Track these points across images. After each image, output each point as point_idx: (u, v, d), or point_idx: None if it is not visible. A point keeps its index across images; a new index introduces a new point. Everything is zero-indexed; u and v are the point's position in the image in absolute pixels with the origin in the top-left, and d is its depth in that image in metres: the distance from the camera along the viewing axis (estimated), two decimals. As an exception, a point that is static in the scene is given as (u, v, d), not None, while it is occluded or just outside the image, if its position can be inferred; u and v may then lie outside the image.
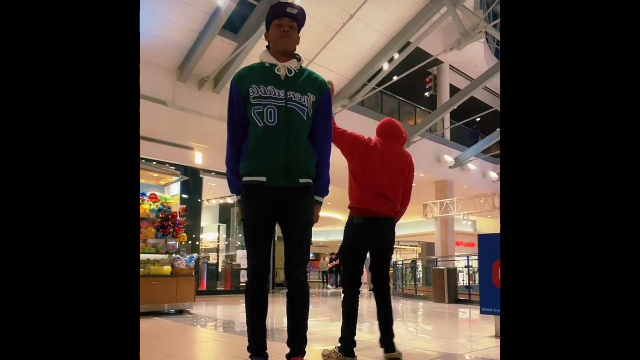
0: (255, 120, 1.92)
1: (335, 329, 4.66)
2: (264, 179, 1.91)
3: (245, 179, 1.96)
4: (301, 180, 1.95)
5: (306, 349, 1.97)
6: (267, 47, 2.02)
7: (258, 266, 1.96)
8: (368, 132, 2.84)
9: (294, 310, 1.97)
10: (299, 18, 1.98)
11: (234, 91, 1.98)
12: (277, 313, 5.82)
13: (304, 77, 2.00)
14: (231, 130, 2.01)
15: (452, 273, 8.65)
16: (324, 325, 4.99)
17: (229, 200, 13.22)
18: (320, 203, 2.05)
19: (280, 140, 1.90)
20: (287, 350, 1.97)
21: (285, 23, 1.95)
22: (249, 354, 1.98)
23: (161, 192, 6.60)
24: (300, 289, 1.95)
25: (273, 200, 1.93)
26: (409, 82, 13.81)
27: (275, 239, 11.37)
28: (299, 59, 2.02)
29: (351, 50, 10.42)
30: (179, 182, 7.12)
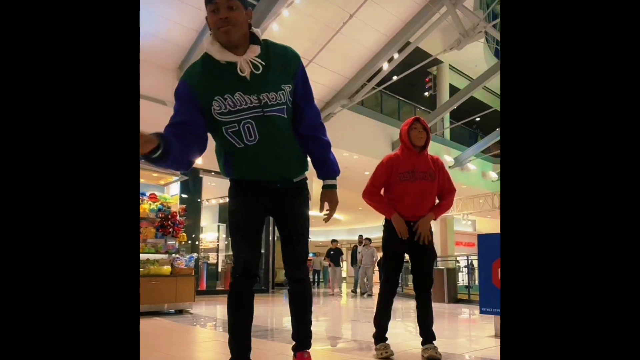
0: (232, 141, 1.66)
1: (335, 329, 4.66)
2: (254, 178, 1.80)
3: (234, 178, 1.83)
4: (296, 180, 1.88)
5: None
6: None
7: (247, 261, 1.76)
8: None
9: (296, 306, 1.96)
10: None
11: (183, 90, 1.61)
12: (276, 313, 5.81)
13: (272, 65, 1.64)
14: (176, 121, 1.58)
15: (452, 273, 8.65)
16: (323, 325, 4.99)
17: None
18: (334, 187, 1.91)
19: (267, 154, 1.71)
20: (289, 350, 1.97)
21: (222, 4, 1.50)
22: None
23: (161, 191, 6.60)
24: (301, 285, 1.94)
25: (266, 195, 1.81)
26: (408, 82, 13.80)
27: (275, 238, 11.34)
28: (257, 41, 1.62)
29: (351, 50, 10.41)
30: (178, 182, 7.11)
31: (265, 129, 1.66)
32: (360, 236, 11.81)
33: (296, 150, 1.81)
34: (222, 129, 1.64)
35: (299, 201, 1.89)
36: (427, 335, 2.68)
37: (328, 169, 1.90)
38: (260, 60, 1.61)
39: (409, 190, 2.71)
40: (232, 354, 1.76)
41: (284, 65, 1.67)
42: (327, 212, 1.94)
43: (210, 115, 1.62)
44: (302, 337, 1.94)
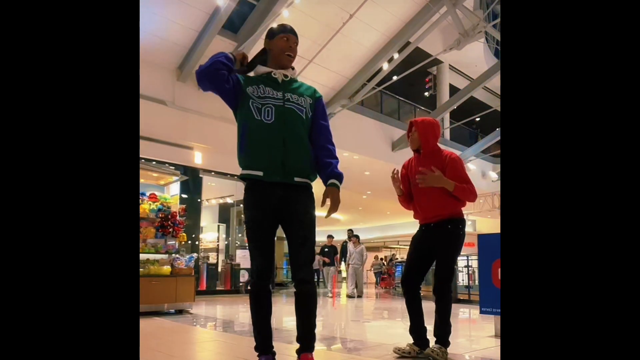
0: (253, 111, 1.97)
1: (335, 329, 4.66)
2: (260, 173, 1.96)
3: (243, 172, 2.02)
4: (296, 179, 1.99)
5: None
6: (261, 63, 2.13)
7: (262, 267, 2.01)
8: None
9: (302, 309, 2.01)
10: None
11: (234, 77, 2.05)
12: (276, 313, 5.80)
13: (298, 84, 2.13)
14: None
15: (452, 273, 8.62)
16: (321, 325, 4.98)
17: (229, 200, 13.21)
18: (337, 186, 2.03)
19: (276, 137, 1.95)
20: (289, 348, 2.00)
21: (292, 39, 2.09)
22: (257, 353, 2.03)
23: (161, 192, 6.60)
24: (306, 288, 1.99)
25: (273, 200, 1.97)
26: (408, 82, 13.79)
27: (275, 238, 11.25)
28: (292, 68, 2.15)
29: (351, 50, 10.40)
30: (178, 182, 7.12)
31: (282, 116, 1.98)
32: (350, 231, 10.57)
33: (304, 150, 2.02)
34: (249, 101, 1.99)
35: (303, 203, 2.01)
36: (435, 335, 2.67)
37: (332, 171, 2.05)
38: (289, 75, 2.10)
39: (417, 194, 2.78)
40: (256, 340, 2.06)
41: (308, 89, 2.14)
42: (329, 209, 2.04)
43: (245, 92, 2.01)
44: (306, 339, 1.99)
